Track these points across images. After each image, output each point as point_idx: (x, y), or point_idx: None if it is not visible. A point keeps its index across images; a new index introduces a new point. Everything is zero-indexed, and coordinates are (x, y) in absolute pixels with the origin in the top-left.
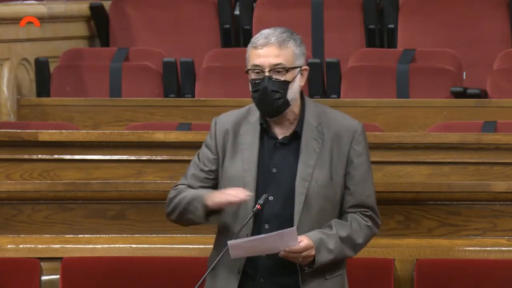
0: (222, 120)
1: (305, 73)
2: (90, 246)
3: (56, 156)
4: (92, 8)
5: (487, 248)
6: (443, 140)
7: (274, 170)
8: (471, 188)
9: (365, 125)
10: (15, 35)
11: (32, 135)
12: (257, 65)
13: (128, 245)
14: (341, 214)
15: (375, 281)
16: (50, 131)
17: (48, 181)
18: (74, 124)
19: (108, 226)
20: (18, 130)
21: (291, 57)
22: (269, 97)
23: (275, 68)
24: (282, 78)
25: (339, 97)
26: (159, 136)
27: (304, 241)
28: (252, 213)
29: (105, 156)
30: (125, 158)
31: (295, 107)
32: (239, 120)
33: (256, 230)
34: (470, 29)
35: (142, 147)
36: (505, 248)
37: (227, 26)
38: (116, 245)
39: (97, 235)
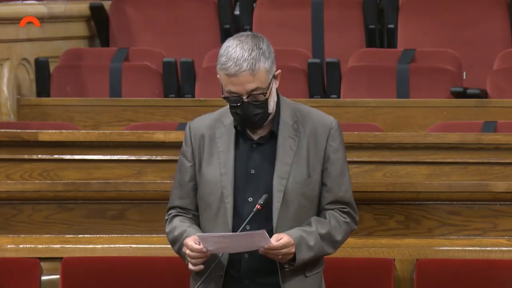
0: (196, 125)
1: (279, 76)
2: (90, 246)
3: (56, 156)
4: (92, 8)
5: (487, 248)
6: (443, 140)
7: (253, 171)
8: (471, 188)
9: (365, 125)
10: (15, 35)
11: (32, 135)
12: (233, 92)
13: (128, 245)
14: (319, 211)
15: (375, 281)
16: (50, 131)
17: (48, 181)
18: (74, 124)
19: (108, 226)
20: (18, 130)
21: (265, 76)
22: (251, 118)
23: (252, 94)
24: (262, 99)
25: (339, 97)
26: (159, 136)
27: (284, 238)
28: (252, 213)
29: (105, 156)
30: (125, 158)
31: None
32: (214, 123)
33: (237, 230)
34: (470, 29)
35: (142, 147)
36: (505, 248)
37: (227, 26)
38: (116, 245)
39: (97, 235)
